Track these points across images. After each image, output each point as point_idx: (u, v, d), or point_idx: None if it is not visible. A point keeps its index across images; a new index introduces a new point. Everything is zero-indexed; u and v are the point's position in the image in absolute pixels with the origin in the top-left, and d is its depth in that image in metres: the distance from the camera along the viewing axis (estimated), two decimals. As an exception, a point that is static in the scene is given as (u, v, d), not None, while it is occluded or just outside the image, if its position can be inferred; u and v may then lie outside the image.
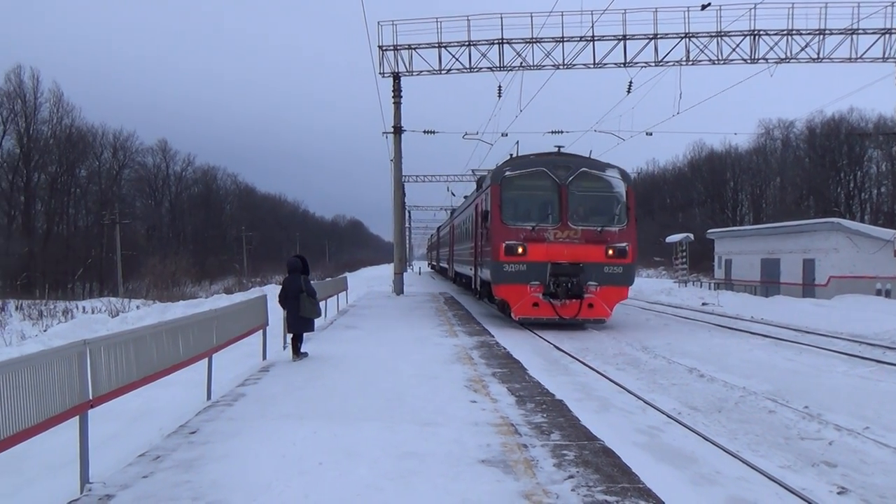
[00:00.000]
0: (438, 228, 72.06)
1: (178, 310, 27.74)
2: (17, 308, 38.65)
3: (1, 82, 78.54)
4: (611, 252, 19.38)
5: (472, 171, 44.02)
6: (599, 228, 19.54)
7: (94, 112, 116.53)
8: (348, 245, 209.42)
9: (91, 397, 6.67)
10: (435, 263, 79.99)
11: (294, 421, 8.49)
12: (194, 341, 9.84)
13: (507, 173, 20.42)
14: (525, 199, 20.37)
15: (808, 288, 33.81)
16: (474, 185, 36.60)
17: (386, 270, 78.91)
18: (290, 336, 14.12)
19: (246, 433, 7.93)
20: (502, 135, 39.66)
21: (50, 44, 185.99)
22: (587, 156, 21.74)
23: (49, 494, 6.27)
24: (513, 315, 19.86)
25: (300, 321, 13.84)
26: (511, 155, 24.46)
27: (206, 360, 10.44)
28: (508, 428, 8.22)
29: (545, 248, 19.33)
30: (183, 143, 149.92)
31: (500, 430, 8.14)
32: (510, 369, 12.57)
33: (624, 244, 19.57)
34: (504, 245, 19.31)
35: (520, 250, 19.23)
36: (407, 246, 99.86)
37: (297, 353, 13.77)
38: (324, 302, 21.95)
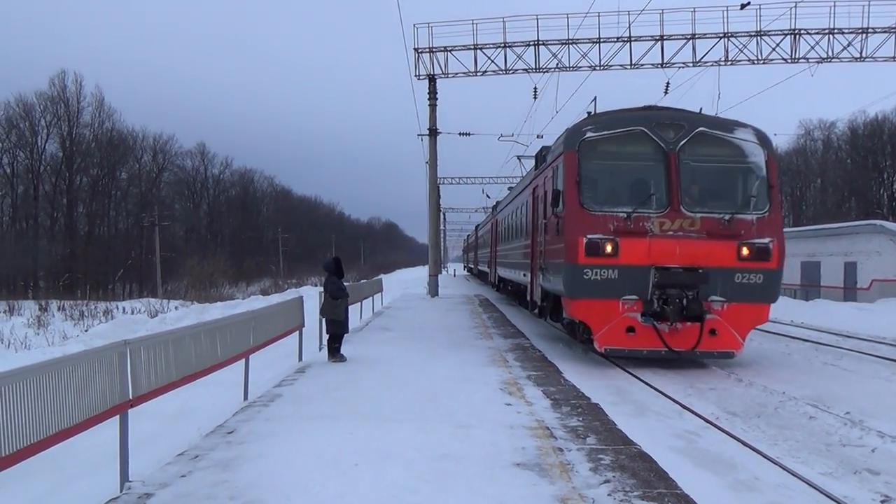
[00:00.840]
0: (477, 227, 65.87)
1: (215, 311, 28.13)
2: (59, 308, 39.41)
3: (45, 87, 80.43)
4: (746, 251, 13.25)
5: (518, 157, 41.05)
6: (728, 216, 13.38)
7: (134, 115, 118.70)
8: (383, 247, 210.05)
9: (131, 397, 6.78)
10: (472, 266, 75.18)
11: (329, 422, 8.53)
12: (231, 342, 9.95)
13: (589, 135, 14.00)
14: (616, 172, 14.41)
15: (850, 291, 33.22)
16: (506, 191, 34.70)
17: (420, 272, 79.11)
18: (326, 337, 14.23)
19: (282, 434, 7.99)
20: (538, 136, 39.47)
21: (92, 48, 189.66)
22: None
23: (90, 492, 6.39)
24: (596, 343, 13.50)
25: (331, 323, 14.00)
26: (588, 113, 17.86)
27: (243, 360, 10.55)
28: (543, 430, 8.18)
29: (647, 245, 13.21)
30: (221, 147, 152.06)
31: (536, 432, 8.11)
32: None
33: (766, 240, 13.37)
34: (585, 241, 13.20)
35: (608, 249, 13.16)
36: (441, 248, 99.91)
37: (333, 354, 13.81)
38: (359, 304, 22.07)
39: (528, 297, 20.85)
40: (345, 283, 14.95)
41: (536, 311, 19.50)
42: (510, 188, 36.49)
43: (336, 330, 14.01)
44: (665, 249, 13.20)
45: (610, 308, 13.30)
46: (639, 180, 14.22)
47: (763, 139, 14.14)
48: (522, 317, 24.71)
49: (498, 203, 38.83)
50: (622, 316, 13.25)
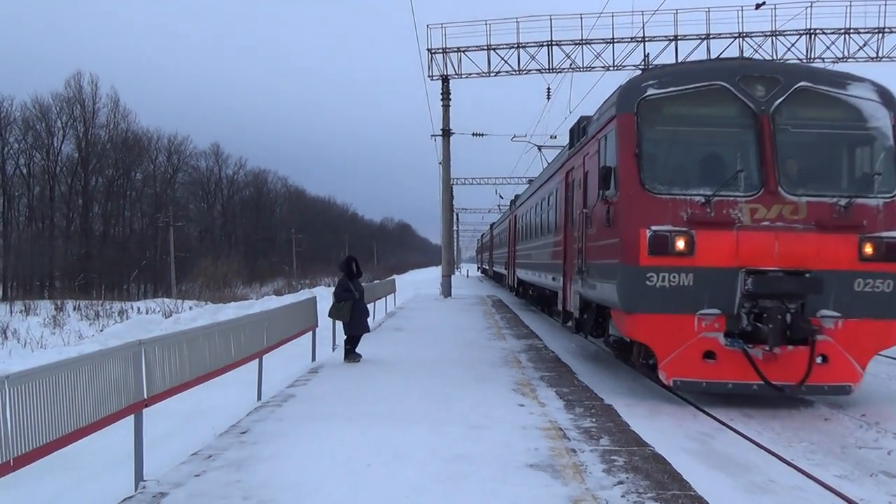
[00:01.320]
0: (492, 225, 61.37)
1: (229, 311, 28.23)
2: (75, 308, 39.71)
3: (61, 88, 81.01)
4: (870, 249, 9.79)
5: (538, 147, 39.16)
6: (844, 201, 9.91)
7: (149, 117, 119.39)
8: (396, 247, 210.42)
9: (146, 396, 6.82)
10: (487, 267, 70.61)
11: (342, 422, 8.55)
12: (245, 342, 10.00)
13: (652, 92, 10.43)
14: (689, 141, 10.83)
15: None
16: (524, 187, 31.12)
17: (433, 273, 79.07)
18: (343, 338, 14.27)
19: (295, 434, 8.01)
20: (551, 137, 39.39)
21: (108, 49, 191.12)
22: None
23: (105, 491, 6.42)
24: (661, 374, 10.14)
25: (346, 325, 13.98)
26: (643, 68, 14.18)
27: (256, 360, 10.59)
28: (557, 431, 8.16)
29: (734, 239, 9.79)
30: (235, 147, 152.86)
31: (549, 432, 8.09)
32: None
33: None
34: (650, 234, 9.81)
35: (681, 245, 9.77)
36: (455, 249, 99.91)
37: (347, 355, 13.84)
38: (372, 304, 22.10)
39: (560, 307, 16.69)
40: (362, 284, 14.87)
41: (571, 323, 15.20)
42: (530, 181, 32.92)
43: (347, 331, 14.02)
44: (759, 246, 9.73)
45: (682, 326, 9.81)
46: (720, 152, 10.82)
47: (888, 98, 10.36)
48: (539, 320, 24.64)
49: (517, 197, 34.76)
50: (698, 337, 9.79)
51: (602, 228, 11.38)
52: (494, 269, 55.63)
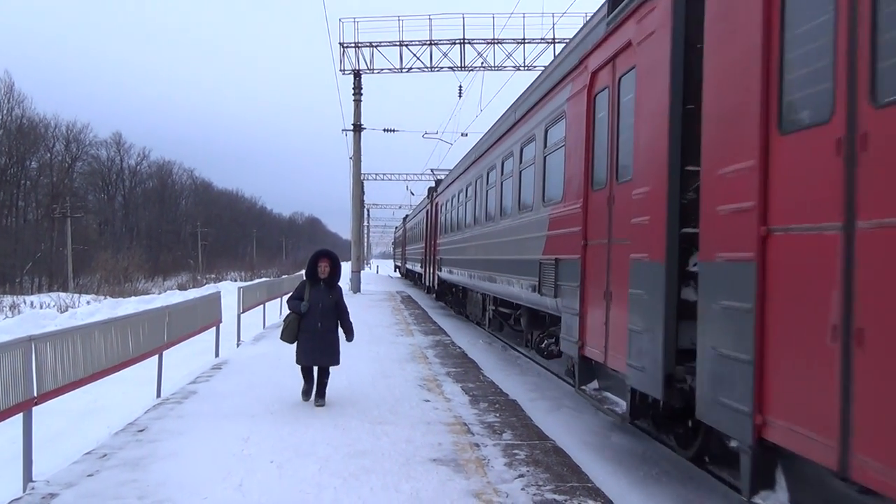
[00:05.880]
0: (405, 219, 54.20)
1: (129, 306, 27.42)
2: (-39, 302, 37.74)
3: (-51, 70, 76.62)
4: None
5: (431, 170, 39.10)
6: None
7: (46, 103, 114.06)
8: (306, 243, 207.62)
9: (36, 395, 6.56)
10: (400, 264, 64.73)
11: (245, 419, 8.42)
12: (145, 338, 9.73)
13: None
14: None
15: None
16: (431, 185, 30.12)
17: (343, 268, 78.44)
18: (257, 334, 13.79)
19: (196, 431, 7.85)
20: (462, 135, 39.82)
21: (1, 32, 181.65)
22: None
23: (-10, 493, 6.15)
24: None
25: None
26: None
27: (156, 357, 10.32)
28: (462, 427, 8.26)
29: None
30: (138, 137, 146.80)
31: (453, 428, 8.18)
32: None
33: None
34: None
35: None
36: (365, 244, 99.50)
37: (305, 394, 9.62)
38: (277, 300, 21.82)
39: (535, 339, 11.68)
40: (335, 292, 9.69)
41: (573, 375, 8.91)
42: (449, 172, 26.85)
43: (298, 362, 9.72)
44: None
45: None
46: None
47: None
48: (447, 317, 24.75)
49: (438, 182, 29.67)
50: None
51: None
52: (408, 266, 50.51)
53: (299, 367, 9.62)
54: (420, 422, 8.44)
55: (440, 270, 25.85)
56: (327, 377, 9.54)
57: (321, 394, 9.41)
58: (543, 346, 10.95)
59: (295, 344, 9.51)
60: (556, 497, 5.88)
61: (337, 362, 9.58)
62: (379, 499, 5.80)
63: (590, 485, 6.23)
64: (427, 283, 32.35)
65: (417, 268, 39.45)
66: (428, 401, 9.68)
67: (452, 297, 25.17)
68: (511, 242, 12.79)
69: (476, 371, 12.33)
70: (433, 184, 33.99)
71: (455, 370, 12.33)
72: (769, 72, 4.61)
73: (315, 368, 9.52)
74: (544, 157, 10.76)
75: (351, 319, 9.83)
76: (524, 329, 12.44)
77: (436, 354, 14.18)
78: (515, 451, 7.23)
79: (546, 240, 10.21)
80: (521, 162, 12.48)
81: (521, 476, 6.42)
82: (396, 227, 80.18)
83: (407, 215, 57.05)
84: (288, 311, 9.75)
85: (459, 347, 15.37)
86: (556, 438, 7.83)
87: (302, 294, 9.51)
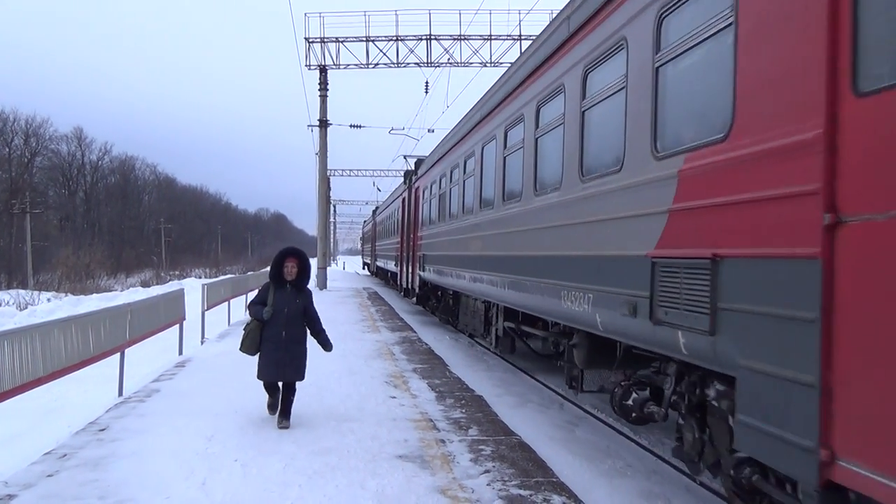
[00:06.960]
0: (375, 211, 51.15)
1: (91, 303, 27.02)
2: (-84, 300, 36.86)
3: None
4: None
5: (405, 156, 37.20)
6: None
7: (4, 97, 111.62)
8: (271, 239, 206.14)
9: (-8, 393, 6.43)
10: (369, 261, 58.78)
11: (209, 417, 8.32)
12: (106, 336, 9.59)
13: None
14: None
15: None
16: (399, 180, 28.21)
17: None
18: (221, 331, 13.74)
19: (158, 430, 7.74)
20: (429, 131, 39.81)
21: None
22: None
23: (-55, 495, 6.01)
24: None
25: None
26: None
27: (118, 355, 10.17)
28: (428, 423, 8.26)
29: None
30: (100, 132, 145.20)
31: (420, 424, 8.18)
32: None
33: None
34: None
35: None
36: (331, 240, 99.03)
37: (270, 408, 8.58)
38: (243, 295, 21.63)
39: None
40: (302, 296, 8.45)
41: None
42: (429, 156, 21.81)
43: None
44: None
45: None
46: None
47: None
48: (413, 312, 24.71)
49: (420, 163, 24.16)
50: None
51: None
52: (378, 264, 45.25)
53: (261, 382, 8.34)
54: (386, 418, 8.43)
55: (423, 270, 20.77)
56: (293, 394, 8.22)
57: (286, 413, 8.08)
58: (632, 402, 6.79)
59: (257, 356, 8.27)
60: (522, 492, 5.91)
61: (302, 377, 8.30)
62: (344, 496, 5.77)
63: (555, 479, 6.27)
64: (404, 285, 26.65)
65: (391, 265, 34.28)
66: (394, 397, 9.67)
67: (439, 304, 19.89)
68: (561, 230, 8.19)
69: (443, 367, 12.34)
70: (412, 166, 27.33)
71: (422, 366, 12.33)
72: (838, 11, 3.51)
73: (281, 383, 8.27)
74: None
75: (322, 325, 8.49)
76: (578, 363, 8.19)
77: (402, 351, 14.16)
78: (481, 447, 7.25)
79: (670, 219, 5.45)
80: (601, 89, 7.07)
81: (487, 472, 6.43)
82: (365, 222, 74.09)
83: (377, 208, 51.73)
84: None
85: (426, 344, 15.37)
86: (522, 434, 7.86)
87: (265, 298, 8.19)
